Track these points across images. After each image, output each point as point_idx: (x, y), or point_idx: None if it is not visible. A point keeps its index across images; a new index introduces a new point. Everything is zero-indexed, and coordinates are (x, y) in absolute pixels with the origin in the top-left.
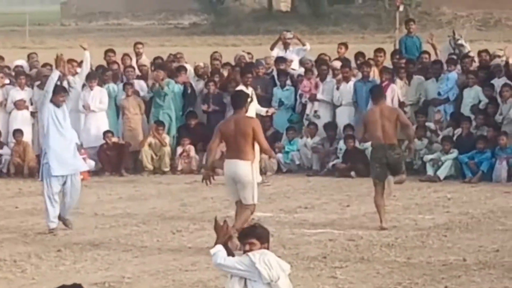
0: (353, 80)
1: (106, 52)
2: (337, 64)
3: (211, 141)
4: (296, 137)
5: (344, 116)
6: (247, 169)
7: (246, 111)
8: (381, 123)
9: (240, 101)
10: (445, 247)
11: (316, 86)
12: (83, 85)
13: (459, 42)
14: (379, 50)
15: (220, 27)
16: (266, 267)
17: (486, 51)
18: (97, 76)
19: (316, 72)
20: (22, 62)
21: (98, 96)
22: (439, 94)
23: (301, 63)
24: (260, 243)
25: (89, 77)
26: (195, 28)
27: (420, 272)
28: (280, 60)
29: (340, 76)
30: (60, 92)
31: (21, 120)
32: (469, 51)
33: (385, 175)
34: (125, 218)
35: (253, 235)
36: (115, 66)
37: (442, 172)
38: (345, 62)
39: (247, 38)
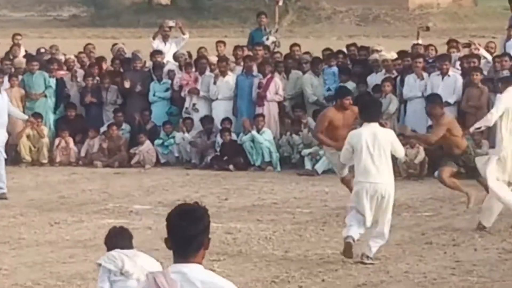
0: (230, 74)
1: None
2: (214, 59)
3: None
4: (172, 131)
5: (220, 110)
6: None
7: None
8: None
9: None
10: (323, 240)
11: (196, 80)
12: None
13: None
14: (257, 44)
15: (100, 19)
16: (110, 261)
17: (354, 44)
18: None
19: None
20: None
21: None
22: (328, 90)
23: (175, 57)
24: None
25: None
26: (74, 20)
27: (297, 265)
28: (156, 53)
29: (217, 70)
30: None
31: None
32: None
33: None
34: (2, 210)
35: None
36: None
37: (320, 167)
38: (223, 57)
39: (127, 30)
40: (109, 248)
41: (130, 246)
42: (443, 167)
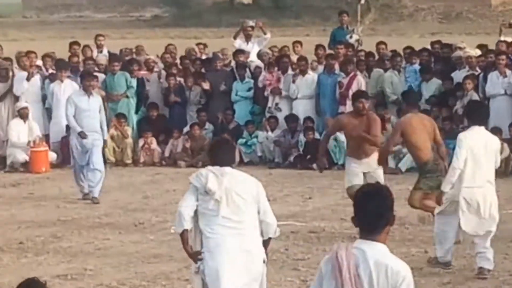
0: (310, 73)
1: (71, 44)
2: (293, 57)
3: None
4: (255, 130)
5: (300, 109)
6: None
7: None
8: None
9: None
10: (407, 239)
11: (278, 80)
12: (49, 77)
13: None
14: (339, 43)
15: (182, 19)
16: (197, 178)
17: (438, 42)
18: (68, 67)
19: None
20: None
21: (70, 89)
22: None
23: (259, 55)
24: None
25: (59, 68)
26: (156, 20)
27: None
28: (238, 52)
29: (297, 70)
30: None
31: None
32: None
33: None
34: (87, 210)
35: None
36: (75, 59)
37: (403, 165)
38: (303, 56)
39: (209, 30)
40: (212, 159)
41: (230, 160)
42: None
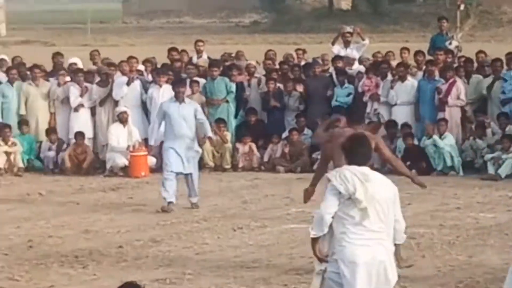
0: (410, 79)
1: (170, 50)
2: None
3: None
4: None
5: (400, 115)
6: None
7: None
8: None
9: None
10: (507, 245)
11: (377, 85)
12: (151, 82)
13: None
14: (438, 49)
15: (281, 25)
16: (341, 182)
17: None
18: (167, 72)
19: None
20: (76, 60)
21: (168, 94)
22: (503, 92)
23: (360, 61)
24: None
25: (158, 73)
26: (256, 26)
27: (481, 270)
28: (337, 58)
29: (396, 76)
30: None
31: (82, 119)
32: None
33: None
34: (186, 215)
35: None
36: (177, 64)
37: (503, 171)
38: (402, 62)
39: (308, 36)
40: (349, 157)
41: (368, 157)
42: None
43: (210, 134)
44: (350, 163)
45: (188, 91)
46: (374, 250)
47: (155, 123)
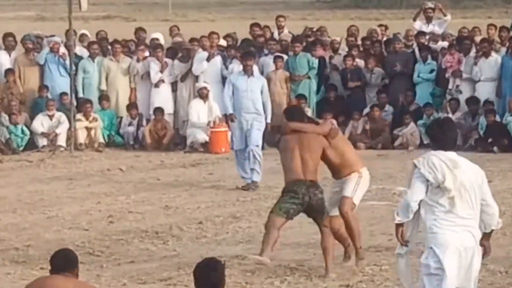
0: (494, 55)
1: (252, 26)
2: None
3: None
4: (433, 113)
5: (483, 92)
6: None
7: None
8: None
9: None
10: None
11: (459, 62)
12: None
13: None
14: None
15: (363, 1)
16: (430, 171)
17: None
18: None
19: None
20: (159, 34)
21: None
22: None
23: (442, 37)
24: None
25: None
26: (337, 1)
27: None
28: (420, 34)
29: (480, 52)
30: None
31: (163, 94)
32: None
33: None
34: (266, 191)
35: None
36: (260, 39)
37: None
38: (485, 38)
39: (389, 12)
40: (436, 142)
41: (455, 142)
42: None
43: (269, 119)
44: (435, 147)
45: (272, 66)
46: (463, 236)
47: (226, 96)
